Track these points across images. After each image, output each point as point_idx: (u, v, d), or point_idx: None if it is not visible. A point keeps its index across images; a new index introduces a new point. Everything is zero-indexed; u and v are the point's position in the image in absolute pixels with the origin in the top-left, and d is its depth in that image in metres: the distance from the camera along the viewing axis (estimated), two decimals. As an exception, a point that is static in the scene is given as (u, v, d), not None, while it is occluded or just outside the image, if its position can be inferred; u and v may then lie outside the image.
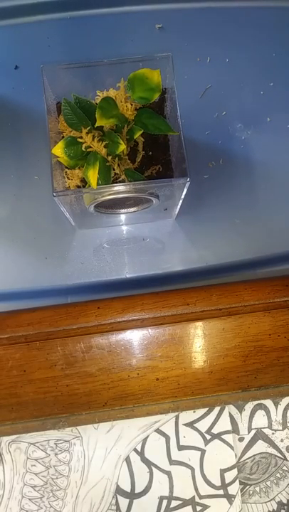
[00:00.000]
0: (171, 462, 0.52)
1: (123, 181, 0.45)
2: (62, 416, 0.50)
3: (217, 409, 0.53)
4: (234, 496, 0.52)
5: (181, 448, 0.52)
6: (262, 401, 0.54)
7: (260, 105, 0.60)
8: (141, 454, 0.52)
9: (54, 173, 0.44)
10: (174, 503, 0.51)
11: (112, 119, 0.42)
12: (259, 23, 0.62)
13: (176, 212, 0.55)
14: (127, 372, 0.50)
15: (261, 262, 0.57)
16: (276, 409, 0.54)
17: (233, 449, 0.52)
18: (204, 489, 0.52)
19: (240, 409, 0.54)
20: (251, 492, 0.53)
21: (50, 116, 0.47)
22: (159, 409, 0.50)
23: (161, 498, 0.51)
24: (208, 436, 0.52)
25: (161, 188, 0.45)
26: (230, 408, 0.53)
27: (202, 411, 0.53)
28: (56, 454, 0.52)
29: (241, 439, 0.53)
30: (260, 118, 0.59)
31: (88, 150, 0.43)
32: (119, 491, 0.51)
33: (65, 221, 0.54)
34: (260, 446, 0.53)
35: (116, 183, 0.45)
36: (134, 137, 0.44)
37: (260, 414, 0.54)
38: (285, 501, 0.53)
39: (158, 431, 0.52)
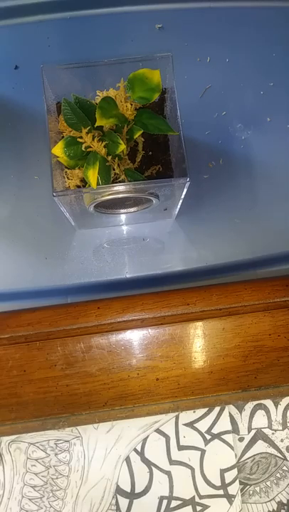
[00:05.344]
0: (171, 462, 0.52)
1: (123, 181, 0.45)
2: (62, 416, 0.50)
3: (217, 409, 0.53)
4: (234, 496, 0.52)
5: (181, 448, 0.52)
6: (262, 401, 0.54)
7: (260, 105, 0.60)
8: (141, 454, 0.52)
9: (54, 173, 0.44)
10: (174, 503, 0.51)
11: (112, 119, 0.42)
12: (259, 23, 0.62)
13: (176, 212, 0.55)
14: (127, 372, 0.50)
15: (261, 262, 0.57)
16: (276, 409, 0.54)
17: (233, 449, 0.52)
18: (204, 489, 0.52)
19: (240, 409, 0.54)
20: (251, 492, 0.53)
21: (50, 116, 0.47)
22: (159, 409, 0.50)
23: (161, 498, 0.51)
24: (208, 436, 0.52)
25: (161, 188, 0.45)
26: (230, 408, 0.53)
27: (202, 411, 0.53)
28: (56, 454, 0.52)
29: (241, 439, 0.53)
30: (260, 118, 0.59)
31: (88, 150, 0.43)
32: (119, 491, 0.51)
33: (65, 221, 0.54)
34: (260, 446, 0.53)
35: (116, 183, 0.45)
36: (134, 137, 0.44)
37: (260, 414, 0.54)
38: (285, 501, 0.53)
39: (158, 431, 0.52)
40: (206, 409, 0.53)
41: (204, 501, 0.51)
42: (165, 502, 0.51)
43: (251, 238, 0.57)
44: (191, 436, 0.52)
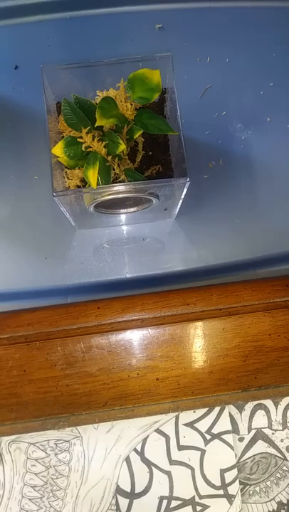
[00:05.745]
0: (171, 462, 0.52)
1: (123, 181, 0.45)
2: (62, 416, 0.50)
3: (217, 409, 0.53)
4: (234, 496, 0.52)
5: (181, 448, 0.52)
6: (262, 401, 0.54)
7: (260, 105, 0.60)
8: (141, 454, 0.52)
9: (54, 173, 0.44)
10: (174, 503, 0.51)
11: (112, 119, 0.42)
12: (259, 23, 0.62)
13: (176, 212, 0.55)
14: (127, 372, 0.50)
15: (261, 262, 0.57)
16: (276, 409, 0.54)
17: (233, 449, 0.52)
18: (204, 489, 0.52)
19: (240, 409, 0.54)
20: (251, 492, 0.53)
21: (50, 116, 0.47)
22: (159, 409, 0.50)
23: (161, 498, 0.51)
24: (208, 436, 0.52)
25: (161, 188, 0.45)
26: (230, 408, 0.53)
27: (202, 411, 0.53)
28: (56, 454, 0.52)
29: (241, 439, 0.53)
30: (260, 118, 0.59)
31: (88, 150, 0.43)
32: (119, 491, 0.51)
33: (65, 221, 0.54)
34: (260, 446, 0.53)
35: (116, 183, 0.45)
36: (134, 137, 0.44)
37: (260, 414, 0.54)
38: (285, 501, 0.53)
39: (158, 431, 0.52)
40: (206, 409, 0.53)
41: (204, 501, 0.51)
42: (165, 502, 0.51)
43: (251, 238, 0.57)
44: (191, 436, 0.52)
